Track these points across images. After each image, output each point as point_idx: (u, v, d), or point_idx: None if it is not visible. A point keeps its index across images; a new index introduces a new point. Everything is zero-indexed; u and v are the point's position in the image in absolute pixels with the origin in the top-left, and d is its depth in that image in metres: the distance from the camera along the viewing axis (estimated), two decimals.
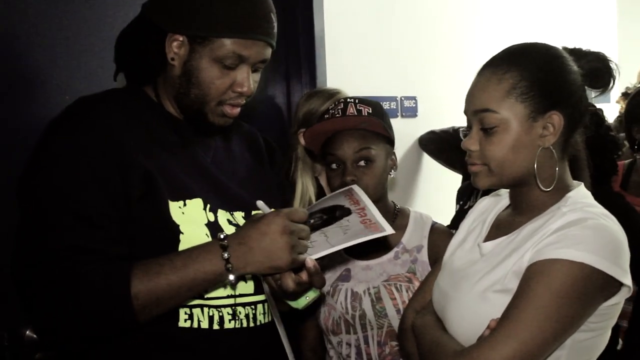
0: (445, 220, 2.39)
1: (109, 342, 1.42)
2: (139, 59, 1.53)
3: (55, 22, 2.00)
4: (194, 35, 1.47)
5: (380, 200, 2.01)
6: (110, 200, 1.38)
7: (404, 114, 3.49)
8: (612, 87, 1.50)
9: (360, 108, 2.01)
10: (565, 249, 1.30)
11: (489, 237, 1.53)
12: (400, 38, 3.48)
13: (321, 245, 1.46)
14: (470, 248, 1.56)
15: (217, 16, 1.46)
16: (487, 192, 1.72)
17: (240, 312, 1.52)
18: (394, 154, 2.09)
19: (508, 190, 1.55)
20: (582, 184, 1.49)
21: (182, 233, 1.44)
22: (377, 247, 2.01)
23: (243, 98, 1.55)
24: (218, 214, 1.53)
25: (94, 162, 1.39)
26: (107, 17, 2.12)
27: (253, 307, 1.55)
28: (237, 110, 1.56)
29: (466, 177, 2.91)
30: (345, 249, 1.89)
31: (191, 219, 1.47)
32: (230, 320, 1.50)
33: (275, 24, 1.54)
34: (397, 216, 2.10)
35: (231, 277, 1.38)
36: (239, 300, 1.53)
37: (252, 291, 1.56)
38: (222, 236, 1.39)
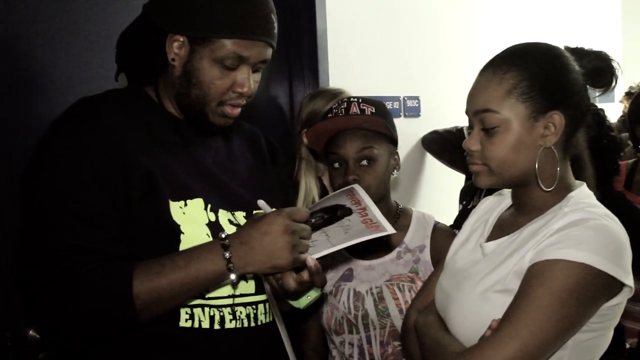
0: (448, 220, 2.39)
1: (109, 342, 1.43)
2: (140, 59, 1.53)
3: (56, 23, 2.00)
4: (194, 36, 1.48)
5: (382, 200, 2.01)
6: (111, 200, 1.39)
7: (407, 113, 3.49)
8: (614, 86, 1.50)
9: (364, 107, 2.01)
10: (567, 249, 1.29)
11: (491, 237, 1.53)
12: (403, 38, 3.48)
13: (322, 244, 1.46)
14: (473, 248, 1.56)
15: (217, 17, 1.46)
16: (490, 192, 1.71)
17: (241, 312, 1.52)
18: (396, 153, 2.09)
19: (511, 190, 1.55)
20: (584, 184, 1.49)
21: (183, 233, 1.45)
22: (380, 247, 2.01)
23: (243, 98, 1.55)
24: (219, 214, 1.53)
25: (96, 162, 1.39)
26: (108, 18, 2.12)
27: (254, 307, 1.55)
28: (238, 110, 1.56)
29: (469, 177, 2.91)
30: (347, 249, 1.90)
31: (192, 219, 1.47)
32: (231, 320, 1.51)
33: (276, 24, 1.54)
34: (400, 216, 2.10)
35: (232, 276, 1.38)
36: (240, 300, 1.53)
37: (253, 291, 1.56)
38: (223, 235, 1.39)
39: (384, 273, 2.01)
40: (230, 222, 1.54)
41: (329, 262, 2.00)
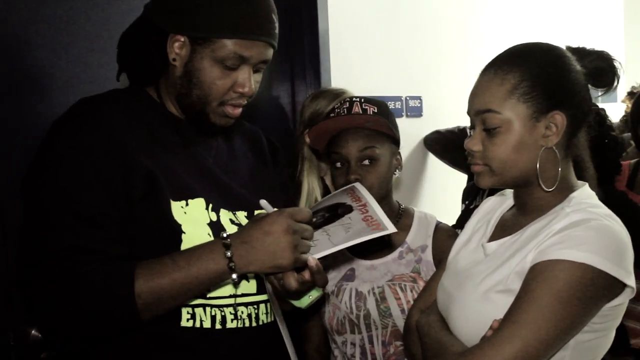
0: (450, 220, 2.39)
1: (110, 342, 1.43)
2: (141, 59, 1.53)
3: (56, 23, 2.00)
4: (195, 36, 1.48)
5: (384, 199, 2.01)
6: (112, 200, 1.39)
7: (409, 113, 3.49)
8: (616, 86, 1.49)
9: (366, 107, 2.01)
10: (568, 249, 1.29)
11: (493, 237, 1.53)
12: (405, 37, 3.48)
13: (323, 244, 1.46)
14: (475, 248, 1.56)
15: (218, 17, 1.46)
16: (493, 192, 1.71)
17: (242, 312, 1.53)
18: (399, 153, 2.09)
19: (513, 190, 1.55)
20: (587, 184, 1.48)
21: (184, 233, 1.45)
22: (382, 247, 2.01)
23: (244, 98, 1.55)
24: (220, 214, 1.53)
25: (97, 162, 1.39)
26: (109, 18, 2.12)
27: (255, 306, 1.56)
28: (239, 110, 1.56)
29: (471, 177, 2.90)
30: (349, 249, 1.90)
31: (193, 219, 1.47)
32: (232, 320, 1.51)
33: (277, 24, 1.54)
34: (402, 216, 2.10)
35: (234, 275, 1.38)
36: (242, 299, 1.53)
37: (254, 291, 1.56)
38: (224, 235, 1.39)
39: (386, 273, 2.01)
40: (232, 221, 1.55)
41: (331, 262, 2.00)
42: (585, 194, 1.45)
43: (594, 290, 1.29)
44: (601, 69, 1.47)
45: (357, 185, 1.68)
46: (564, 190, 1.44)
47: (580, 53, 1.47)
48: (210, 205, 1.51)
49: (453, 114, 3.32)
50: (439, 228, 2.08)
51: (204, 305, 1.48)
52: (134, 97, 1.56)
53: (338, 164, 2.02)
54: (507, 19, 4.33)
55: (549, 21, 4.75)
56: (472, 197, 2.76)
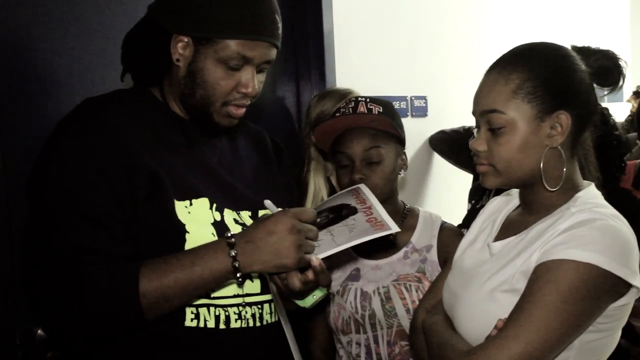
0: (456, 220, 2.39)
1: (115, 342, 1.43)
2: (145, 60, 1.54)
3: (63, 24, 2.01)
4: (199, 37, 1.48)
5: (389, 199, 2.00)
6: (116, 200, 1.39)
7: (414, 113, 3.48)
8: (622, 85, 1.49)
9: (371, 107, 2.01)
10: (573, 249, 1.29)
11: (499, 236, 1.53)
12: (410, 37, 3.47)
13: (327, 244, 1.45)
14: (481, 248, 1.56)
15: (222, 17, 1.46)
16: (499, 192, 1.71)
17: (246, 312, 1.53)
18: (404, 153, 2.08)
19: (518, 190, 1.54)
20: (592, 184, 1.48)
21: (188, 232, 1.45)
22: (387, 247, 2.01)
23: (248, 99, 1.55)
24: (224, 214, 1.53)
25: (102, 162, 1.39)
26: (114, 18, 2.12)
27: (259, 306, 1.56)
28: (242, 110, 1.56)
29: (477, 177, 2.90)
30: (354, 249, 1.90)
31: (197, 219, 1.47)
32: (236, 320, 1.51)
33: (280, 25, 1.54)
34: (407, 216, 2.09)
35: (238, 275, 1.38)
36: (246, 299, 1.53)
37: (258, 291, 1.56)
38: (229, 234, 1.39)
39: (391, 273, 2.01)
40: (236, 221, 1.55)
41: (336, 261, 2.00)
42: (590, 194, 1.44)
43: (599, 290, 1.29)
44: (606, 68, 1.46)
45: (362, 186, 1.68)
46: (570, 190, 1.44)
47: (585, 52, 1.47)
48: (214, 205, 1.51)
49: (458, 113, 3.32)
50: (444, 228, 2.07)
51: (208, 305, 1.48)
52: (139, 97, 1.56)
53: (343, 164, 2.02)
54: (512, 19, 4.32)
55: (554, 21, 4.74)
56: (479, 196, 2.76)
